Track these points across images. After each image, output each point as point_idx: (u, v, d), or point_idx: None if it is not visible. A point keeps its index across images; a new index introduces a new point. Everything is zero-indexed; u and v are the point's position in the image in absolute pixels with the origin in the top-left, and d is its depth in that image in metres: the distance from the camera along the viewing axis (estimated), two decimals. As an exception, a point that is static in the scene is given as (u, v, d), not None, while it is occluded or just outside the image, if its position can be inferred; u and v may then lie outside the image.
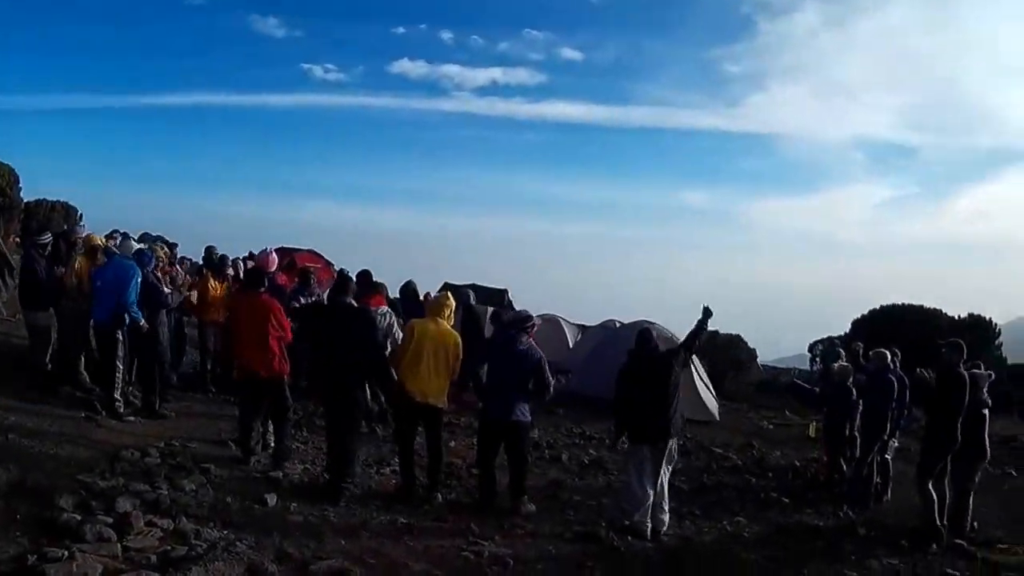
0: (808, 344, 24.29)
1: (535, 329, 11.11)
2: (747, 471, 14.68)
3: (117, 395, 12.38)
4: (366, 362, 10.47)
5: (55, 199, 34.88)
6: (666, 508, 10.43)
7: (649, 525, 10.14)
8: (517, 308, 31.56)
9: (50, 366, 13.18)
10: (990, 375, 12.09)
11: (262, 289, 11.51)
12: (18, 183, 29.58)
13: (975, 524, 11.47)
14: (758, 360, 30.94)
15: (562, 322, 27.11)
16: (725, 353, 27.33)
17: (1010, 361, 38.20)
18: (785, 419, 21.80)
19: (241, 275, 15.37)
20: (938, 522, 10.76)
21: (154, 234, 33.17)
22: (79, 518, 7.71)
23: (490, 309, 16.09)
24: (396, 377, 10.53)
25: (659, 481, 10.24)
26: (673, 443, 10.41)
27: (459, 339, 10.78)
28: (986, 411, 11.59)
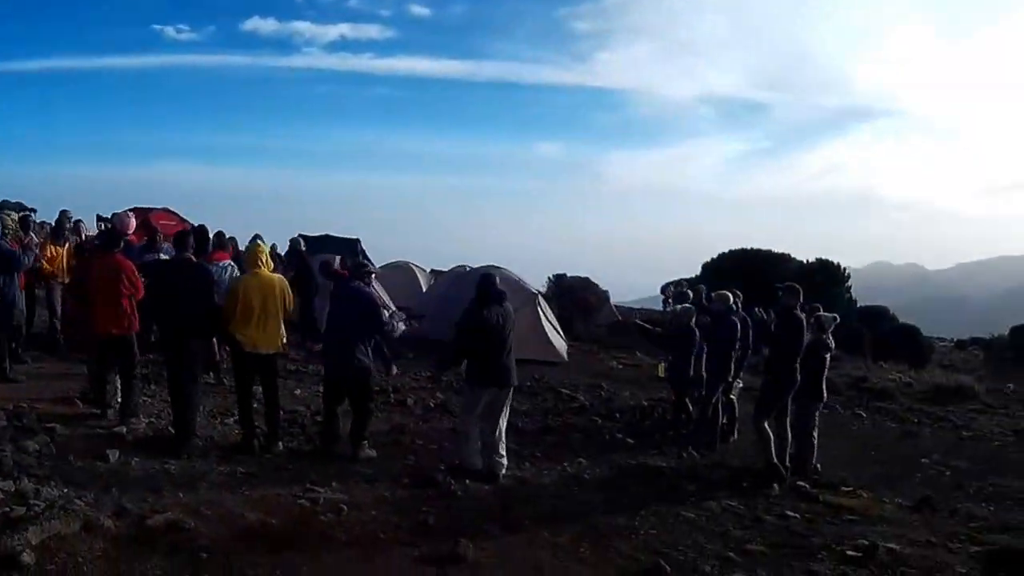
0: (660, 286, 24.65)
1: (372, 276, 11.25)
2: (594, 412, 14.83)
3: None
4: (203, 315, 10.50)
5: None
6: (503, 451, 10.62)
7: (483, 462, 10.43)
8: (370, 256, 31.78)
9: None
10: (835, 318, 12.19)
11: (116, 250, 11.49)
12: None
13: (818, 466, 11.67)
14: (611, 302, 31.21)
15: (415, 269, 27.36)
16: (575, 295, 27.56)
17: (865, 303, 39.62)
18: (635, 360, 22.05)
19: (84, 237, 15.61)
20: (777, 462, 11.00)
21: (12, 201, 32.81)
22: None
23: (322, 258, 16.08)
24: (228, 331, 10.61)
25: (498, 425, 10.47)
26: (509, 390, 10.63)
27: (284, 281, 10.94)
28: (827, 355, 11.71)
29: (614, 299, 32.54)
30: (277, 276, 10.91)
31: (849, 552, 8.18)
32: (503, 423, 10.59)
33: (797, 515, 9.51)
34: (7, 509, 7.43)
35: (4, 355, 12.96)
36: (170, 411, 11.25)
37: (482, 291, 10.55)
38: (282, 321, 10.87)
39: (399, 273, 27.11)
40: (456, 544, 7.73)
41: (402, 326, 11.47)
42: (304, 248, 17.48)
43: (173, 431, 10.76)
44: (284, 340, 11.51)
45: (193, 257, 10.88)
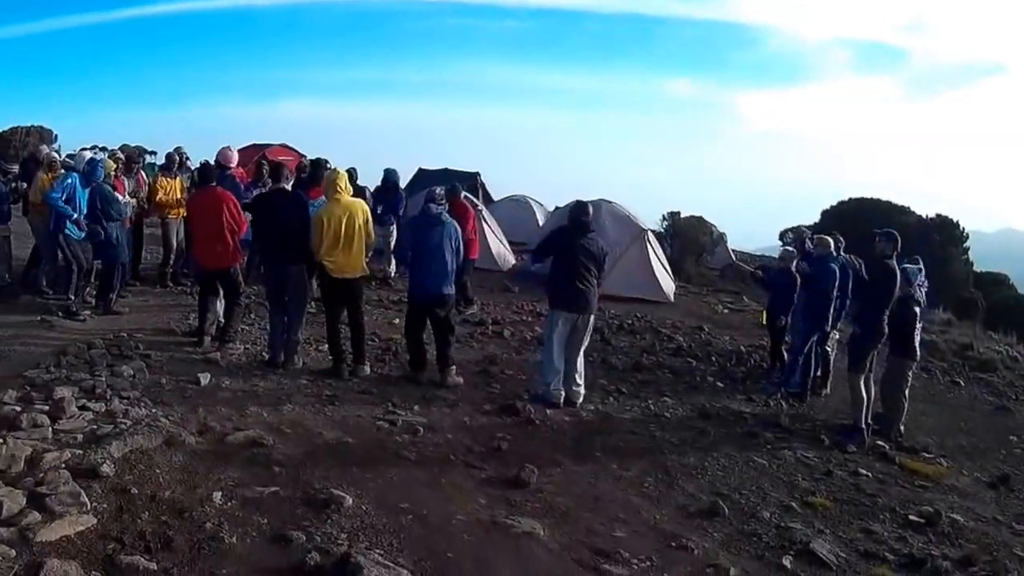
0: (779, 232, 24.19)
1: (449, 202, 11.30)
2: (690, 354, 14.78)
3: (71, 295, 12.90)
4: (301, 242, 10.80)
5: (30, 124, 35.56)
6: (581, 381, 10.83)
7: (563, 394, 10.60)
8: (489, 191, 31.92)
9: (8, 278, 13.93)
10: (920, 270, 11.69)
11: (213, 184, 11.84)
12: None
13: (902, 428, 11.28)
14: (729, 246, 30.73)
15: (532, 203, 27.34)
16: (689, 235, 27.11)
17: (991, 269, 38.38)
18: (742, 305, 21.74)
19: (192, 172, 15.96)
20: (863, 422, 10.77)
21: (133, 144, 33.79)
22: (18, 409, 8.14)
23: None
24: (317, 259, 10.88)
25: (577, 354, 10.68)
26: (592, 317, 10.79)
27: (365, 206, 11.09)
28: (917, 308, 11.07)
29: (732, 245, 32.02)
30: (358, 201, 11.10)
31: (912, 517, 8.08)
32: (581, 353, 10.80)
33: (869, 474, 9.38)
34: (95, 427, 7.87)
35: (111, 289, 13.51)
36: (266, 338, 11.67)
37: (572, 217, 10.77)
38: (365, 245, 11.04)
39: (517, 208, 27.25)
40: (521, 469, 7.93)
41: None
42: (396, 180, 17.56)
43: (267, 356, 11.20)
44: (367, 264, 11.65)
45: (288, 187, 11.24)
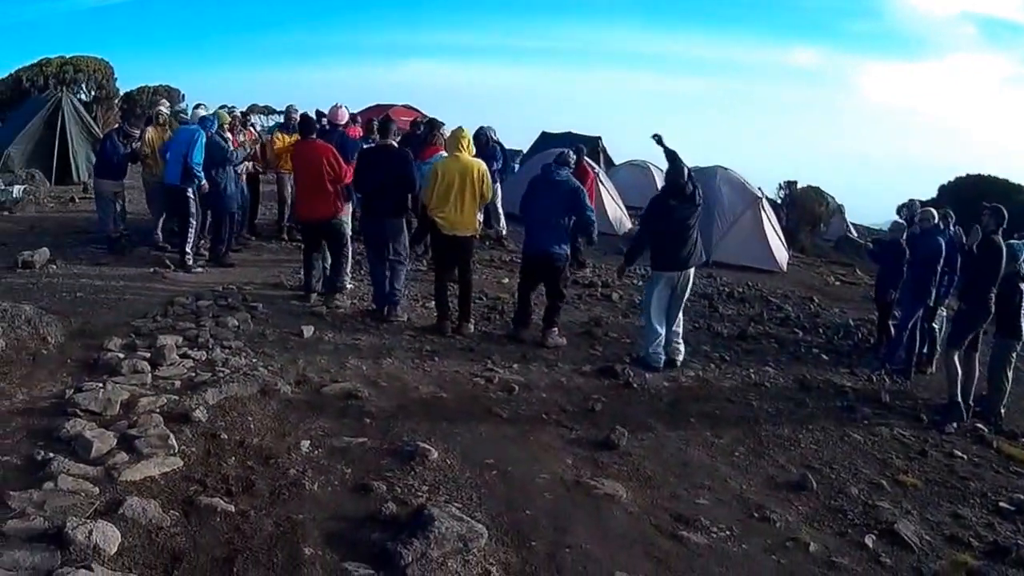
0: (896, 206, 23.58)
1: (572, 162, 11.21)
2: (797, 325, 14.48)
3: (188, 249, 13.23)
4: (404, 198, 11.01)
5: (157, 84, 36.44)
6: (680, 340, 10.81)
7: (663, 358, 10.55)
8: (611, 155, 31.77)
9: (120, 231, 14.29)
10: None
11: (313, 136, 11.94)
12: (114, 75, 31.25)
13: (1003, 412, 10.67)
14: (847, 218, 30.06)
15: (652, 168, 27.10)
16: (805, 206, 26.53)
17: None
18: (855, 277, 21.18)
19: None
20: (960, 399, 10.31)
21: (261, 104, 34.44)
22: (121, 356, 8.45)
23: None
24: (428, 214, 11.02)
25: (676, 313, 10.64)
26: (692, 272, 10.70)
27: (484, 166, 11.04)
28: (1023, 286, 10.42)
29: (851, 218, 31.28)
30: (477, 161, 11.04)
31: (1002, 504, 7.76)
32: (681, 313, 10.76)
33: (965, 456, 9.02)
34: (194, 374, 8.13)
35: (221, 241, 13.87)
36: (371, 293, 11.78)
37: (670, 179, 10.62)
38: (478, 206, 11.12)
39: (637, 172, 27.13)
40: (612, 431, 7.93)
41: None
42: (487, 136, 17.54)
43: (372, 309, 11.36)
44: (480, 224, 11.70)
45: (394, 143, 11.35)
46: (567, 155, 11.15)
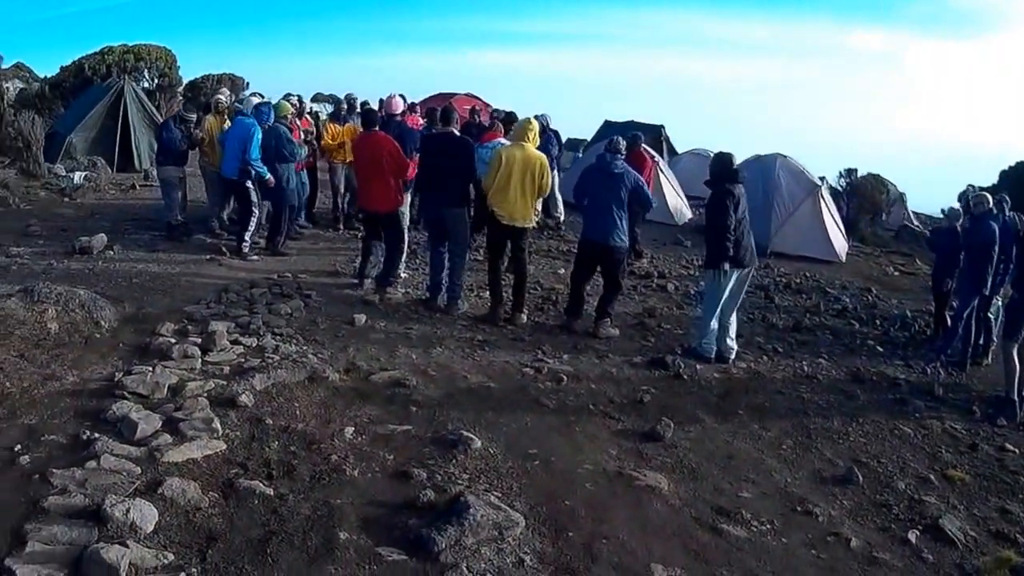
0: (958, 193, 23.16)
1: (622, 149, 11.11)
2: (854, 316, 14.24)
3: (247, 238, 13.41)
4: (464, 186, 11.07)
5: (220, 72, 36.88)
6: (734, 336, 10.71)
7: (715, 349, 10.49)
8: (673, 144, 31.71)
9: (180, 219, 14.51)
10: None
11: (375, 128, 11.97)
12: (176, 63, 31.93)
13: None
14: (908, 206, 29.60)
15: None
16: (865, 194, 26.16)
17: None
18: (915, 268, 20.73)
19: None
20: (1015, 394, 9.95)
21: (326, 93, 34.72)
22: (173, 341, 8.60)
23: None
24: (486, 202, 10.99)
25: (733, 308, 10.56)
26: (751, 271, 10.65)
27: (545, 160, 11.02)
28: None
29: (912, 206, 30.83)
30: (540, 154, 10.99)
31: (1054, 501, 7.62)
32: (735, 305, 10.64)
33: (1017, 451, 8.73)
34: (243, 360, 8.24)
35: (279, 231, 13.99)
36: (426, 283, 11.89)
37: (722, 169, 10.51)
38: (536, 198, 11.11)
39: (699, 161, 26.89)
40: (658, 423, 7.90)
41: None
42: (552, 126, 17.49)
43: (427, 298, 11.49)
44: (538, 215, 11.70)
45: (456, 132, 11.37)
46: (617, 142, 11.07)
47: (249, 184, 13.12)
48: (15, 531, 4.83)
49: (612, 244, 10.67)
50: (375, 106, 16.51)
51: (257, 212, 13.47)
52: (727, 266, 10.25)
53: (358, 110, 17.82)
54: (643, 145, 17.60)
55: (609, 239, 10.64)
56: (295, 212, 14.78)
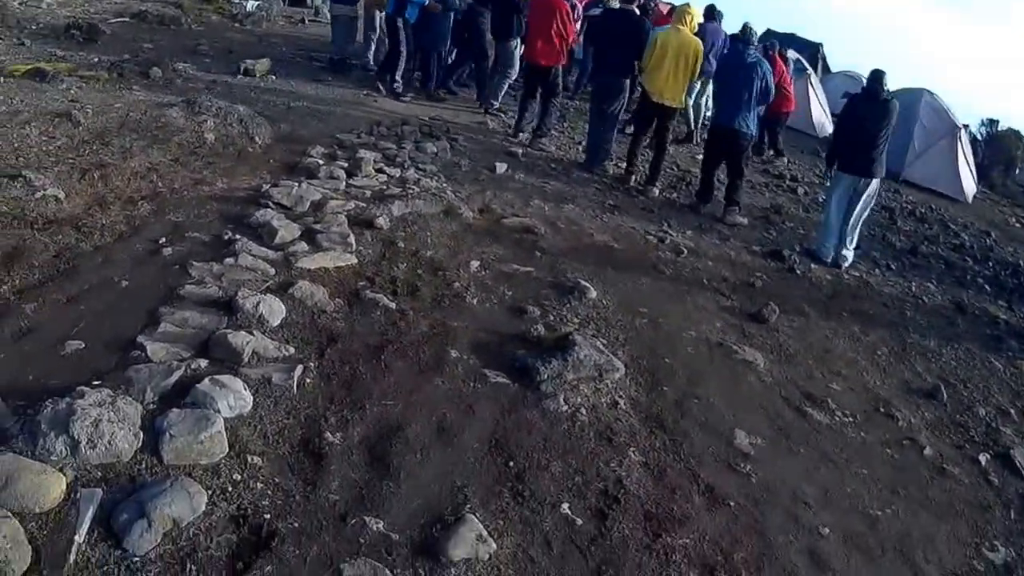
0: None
1: (755, 39, 11.11)
2: (969, 254, 13.80)
3: (398, 76, 13.51)
4: (630, 60, 11.21)
5: None
6: (851, 247, 10.57)
7: (832, 254, 10.42)
8: (829, 64, 31.11)
9: (346, 55, 14.80)
10: None
11: None
12: None
13: None
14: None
15: (865, 81, 26.43)
16: (1001, 147, 25.41)
17: None
18: (1038, 221, 20.25)
19: None
20: None
21: None
22: (321, 163, 8.89)
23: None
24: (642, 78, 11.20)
25: (853, 218, 10.38)
26: (876, 183, 10.38)
27: (699, 45, 11.10)
28: None
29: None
30: (695, 39, 11.09)
31: None
32: (859, 220, 10.48)
33: None
34: (385, 187, 8.46)
35: (431, 76, 14.14)
36: (579, 145, 12.23)
37: (868, 85, 10.41)
38: (688, 80, 11.24)
39: (849, 83, 26.24)
40: (765, 306, 7.95)
41: None
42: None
43: (585, 158, 11.83)
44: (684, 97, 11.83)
45: (637, 10, 11.47)
46: (750, 30, 10.97)
47: (399, 23, 13.16)
48: (150, 312, 5.12)
49: (738, 128, 10.65)
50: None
51: (404, 51, 13.51)
52: (832, 169, 10.49)
53: None
54: (781, 52, 17.32)
55: (735, 122, 10.63)
56: (443, 59, 14.82)
